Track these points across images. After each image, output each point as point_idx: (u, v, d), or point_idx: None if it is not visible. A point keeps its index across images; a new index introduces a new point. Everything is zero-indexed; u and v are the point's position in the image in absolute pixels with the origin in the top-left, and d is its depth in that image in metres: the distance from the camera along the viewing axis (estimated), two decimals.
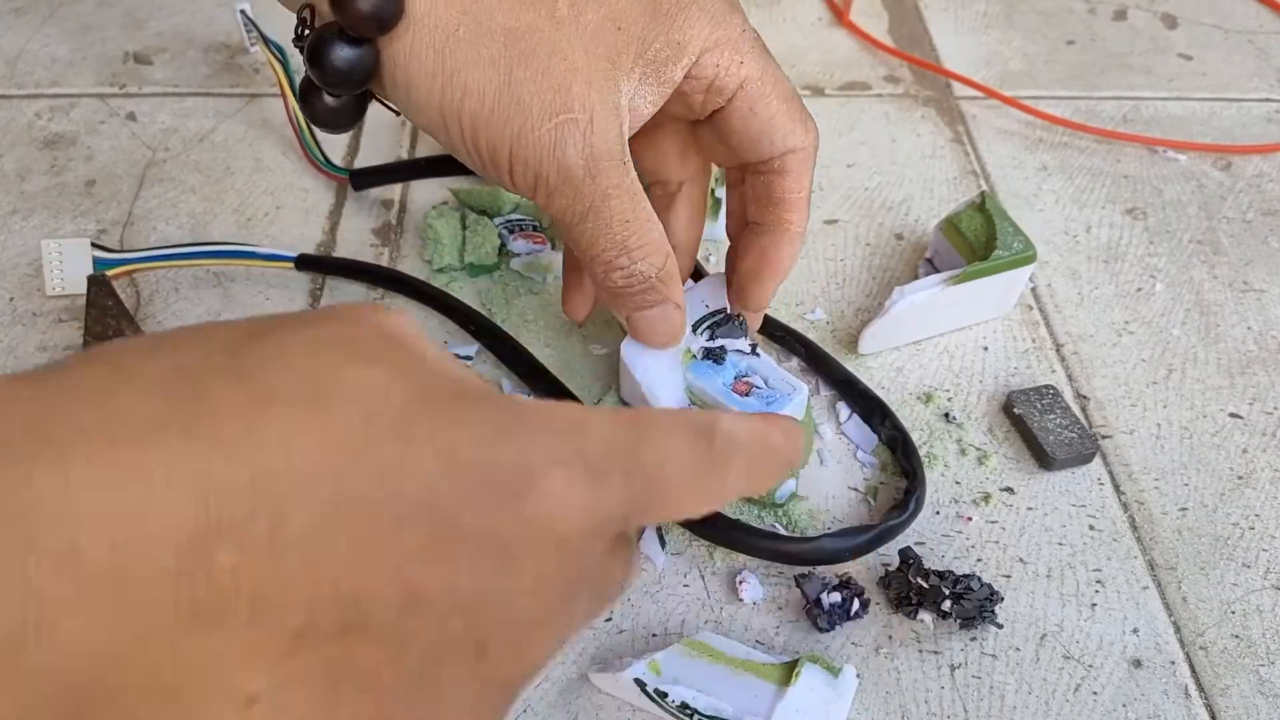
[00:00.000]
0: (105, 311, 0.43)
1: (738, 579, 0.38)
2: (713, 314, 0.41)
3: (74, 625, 0.17)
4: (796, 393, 0.39)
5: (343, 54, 0.32)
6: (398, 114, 0.37)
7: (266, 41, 0.49)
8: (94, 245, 0.45)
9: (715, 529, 0.37)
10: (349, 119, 0.35)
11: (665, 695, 0.33)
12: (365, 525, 0.19)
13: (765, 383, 0.40)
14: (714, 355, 0.40)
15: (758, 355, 0.40)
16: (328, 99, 0.34)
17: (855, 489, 0.41)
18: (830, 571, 0.38)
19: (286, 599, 0.18)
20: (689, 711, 0.33)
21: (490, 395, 0.22)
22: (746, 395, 0.39)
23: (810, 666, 0.34)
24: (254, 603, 0.18)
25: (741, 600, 0.38)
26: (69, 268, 0.45)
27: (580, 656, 0.36)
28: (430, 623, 0.20)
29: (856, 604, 0.37)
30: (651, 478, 0.23)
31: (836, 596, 0.37)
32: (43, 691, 0.17)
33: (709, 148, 0.39)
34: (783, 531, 0.39)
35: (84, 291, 0.43)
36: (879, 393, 0.44)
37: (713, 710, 0.33)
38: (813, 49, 0.64)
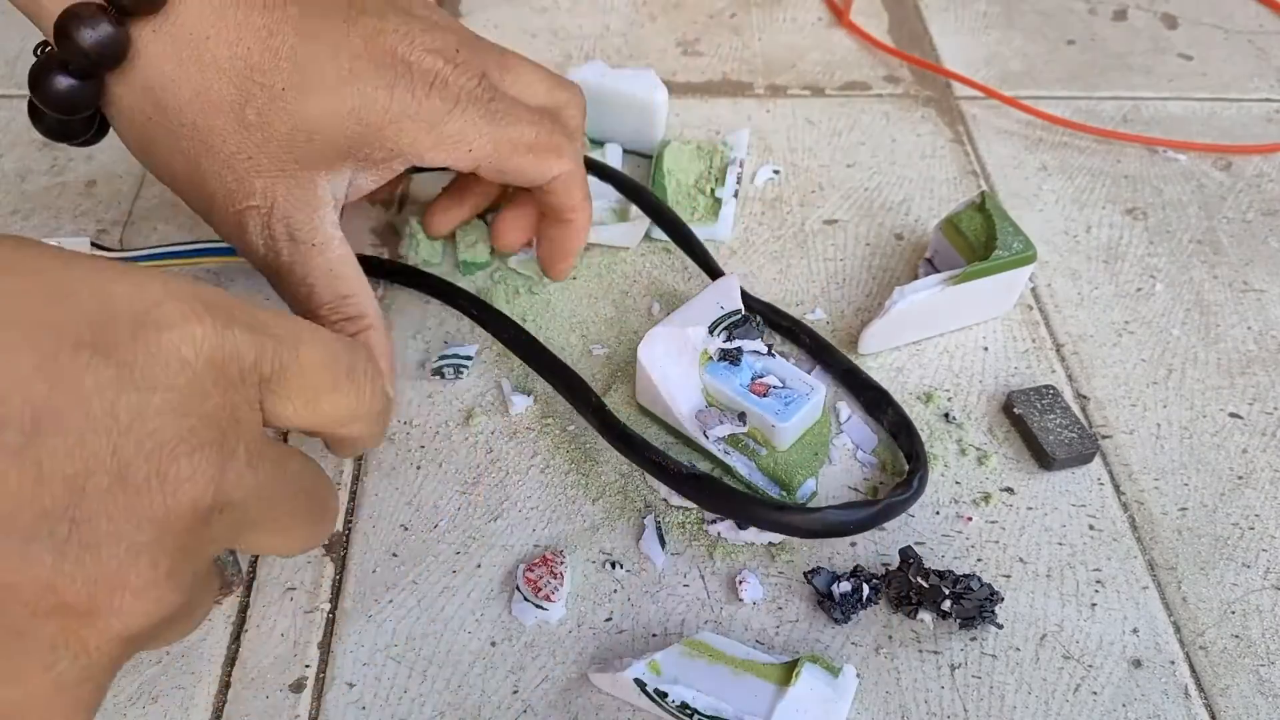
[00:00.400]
0: None
1: (738, 579, 0.38)
2: (728, 315, 0.41)
3: None
4: (814, 393, 0.40)
5: (63, 84, 0.34)
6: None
7: None
8: (94, 245, 0.45)
9: (721, 498, 0.37)
10: (80, 131, 0.38)
11: (665, 695, 0.33)
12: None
13: (783, 383, 0.40)
14: (730, 356, 0.40)
15: (774, 356, 0.41)
16: (51, 116, 0.36)
17: (855, 489, 0.41)
18: (833, 546, 0.38)
19: None
20: (689, 711, 0.33)
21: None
22: (764, 396, 0.40)
23: (810, 666, 0.34)
24: None
25: (741, 600, 0.38)
26: None
27: (580, 656, 0.36)
28: (65, 443, 0.21)
29: (867, 589, 0.37)
30: (283, 338, 0.25)
31: (847, 586, 0.37)
32: None
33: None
34: (788, 502, 0.39)
35: None
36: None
37: (712, 710, 0.33)
38: (813, 49, 0.64)
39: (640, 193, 0.48)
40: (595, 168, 0.49)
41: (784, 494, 0.40)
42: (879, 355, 0.46)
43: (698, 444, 0.40)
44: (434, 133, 0.38)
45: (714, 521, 0.39)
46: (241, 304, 0.25)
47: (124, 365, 0.22)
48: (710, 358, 0.40)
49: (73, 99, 0.34)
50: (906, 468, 0.40)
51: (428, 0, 0.40)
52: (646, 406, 0.42)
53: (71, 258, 0.23)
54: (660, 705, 0.34)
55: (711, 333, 0.40)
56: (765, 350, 0.40)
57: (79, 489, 0.21)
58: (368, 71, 0.36)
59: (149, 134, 0.36)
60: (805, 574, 0.38)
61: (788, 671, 0.34)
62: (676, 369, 0.40)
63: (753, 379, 0.40)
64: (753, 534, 0.38)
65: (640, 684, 0.34)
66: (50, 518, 0.21)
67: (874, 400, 0.43)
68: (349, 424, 0.29)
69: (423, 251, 0.48)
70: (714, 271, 0.46)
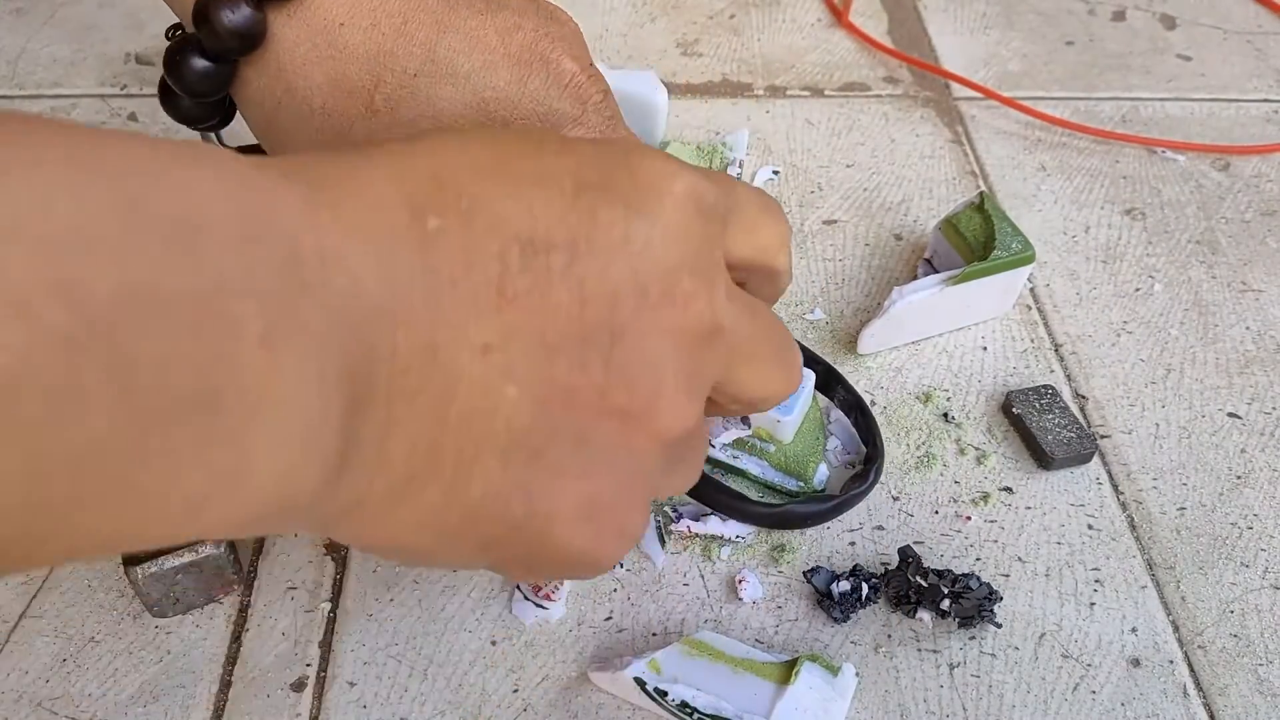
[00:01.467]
0: None
1: (737, 578, 0.38)
2: None
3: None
4: (806, 379, 0.40)
5: (199, 66, 0.35)
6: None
7: None
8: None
9: (701, 491, 0.38)
10: (210, 115, 0.38)
11: (665, 694, 0.33)
12: (529, 185, 0.24)
13: None
14: None
15: None
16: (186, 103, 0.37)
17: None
18: (832, 545, 0.38)
19: (482, 253, 0.23)
20: (689, 710, 0.33)
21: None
22: None
23: (810, 665, 0.34)
24: (463, 262, 0.22)
25: (741, 600, 0.38)
26: None
27: (580, 655, 0.36)
28: (598, 264, 0.24)
29: (866, 589, 0.37)
30: (721, 178, 0.28)
31: (846, 585, 0.37)
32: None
33: None
34: (752, 495, 0.40)
35: None
36: (879, 392, 0.44)
37: (712, 709, 0.33)
38: (812, 50, 0.64)
39: None
40: None
41: (801, 485, 0.40)
42: (878, 355, 0.46)
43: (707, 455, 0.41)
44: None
45: (679, 519, 0.39)
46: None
47: (629, 202, 0.25)
48: None
49: (209, 81, 0.35)
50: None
51: (563, 12, 0.40)
52: None
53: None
54: (660, 704, 0.34)
55: None
56: None
57: (613, 304, 0.24)
58: (501, 64, 0.36)
59: (277, 118, 0.36)
60: (805, 573, 0.38)
61: (787, 670, 0.34)
62: None
63: None
64: (715, 524, 0.39)
65: (640, 683, 0.34)
66: (597, 329, 0.24)
67: (826, 380, 0.43)
68: (779, 251, 0.30)
69: None
70: None
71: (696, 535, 0.39)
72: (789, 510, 0.39)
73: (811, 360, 0.43)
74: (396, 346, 0.22)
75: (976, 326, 0.48)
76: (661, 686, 0.33)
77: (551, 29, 0.38)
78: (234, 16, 0.33)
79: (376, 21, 0.35)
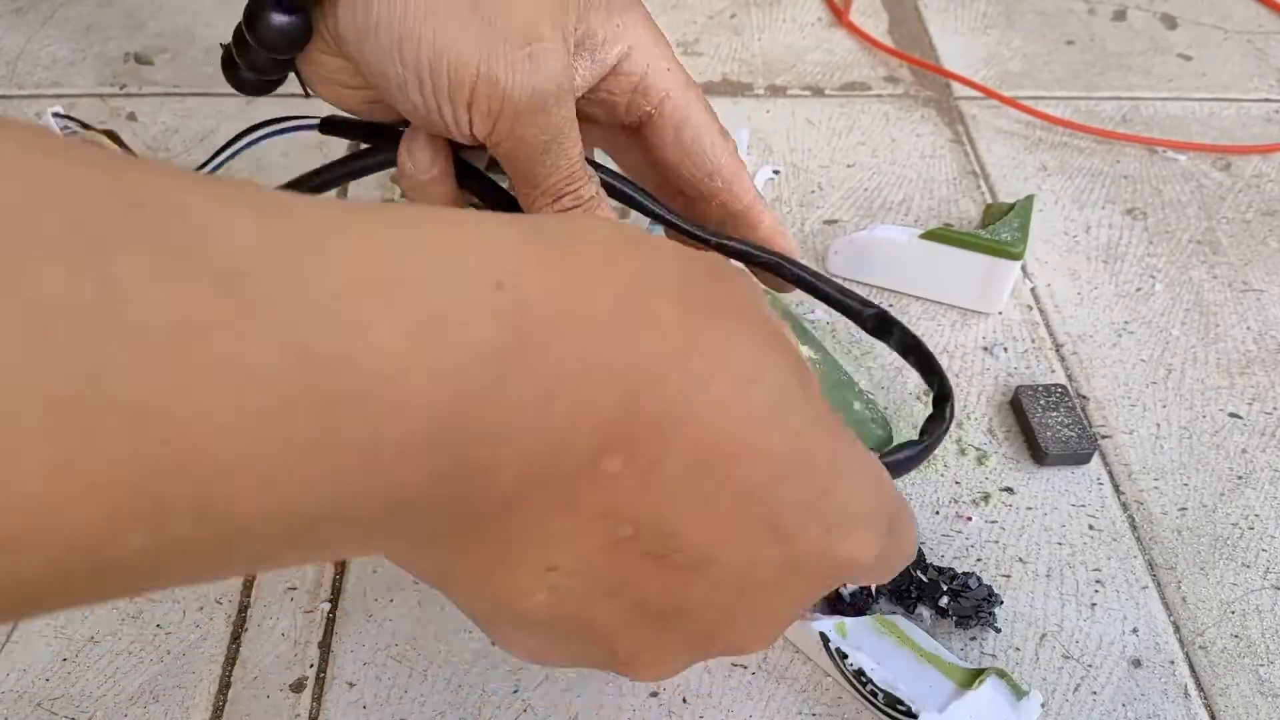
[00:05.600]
0: None
1: None
2: None
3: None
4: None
5: (278, 20, 0.34)
6: (308, 95, 0.38)
7: (89, 129, 0.48)
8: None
9: None
10: (276, 74, 0.37)
11: (845, 656, 0.34)
12: (719, 492, 0.22)
13: None
14: None
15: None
16: (246, 73, 0.37)
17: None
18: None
19: (629, 514, 0.22)
20: (863, 680, 0.33)
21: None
22: None
23: (996, 680, 0.33)
24: (606, 509, 0.21)
25: None
26: None
27: None
28: (709, 584, 0.23)
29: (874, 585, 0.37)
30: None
31: (853, 586, 0.37)
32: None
33: (637, 172, 0.39)
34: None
35: None
36: (879, 393, 0.44)
37: (887, 685, 0.33)
38: (812, 49, 0.64)
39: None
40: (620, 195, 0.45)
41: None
42: (878, 355, 0.46)
43: None
44: (649, 31, 0.36)
45: None
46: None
47: (791, 558, 0.24)
48: None
49: (287, 34, 0.35)
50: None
51: None
52: None
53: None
54: (837, 665, 0.34)
55: None
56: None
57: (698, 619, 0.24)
58: None
59: (364, 55, 0.34)
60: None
61: (971, 677, 0.33)
62: None
63: None
64: None
65: (825, 639, 0.34)
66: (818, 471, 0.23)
67: (877, 324, 0.39)
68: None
69: None
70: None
71: None
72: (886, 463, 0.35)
73: (864, 304, 0.39)
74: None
75: (976, 326, 0.48)
76: (844, 649, 0.34)
77: None
78: None
79: None
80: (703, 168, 0.37)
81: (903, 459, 0.35)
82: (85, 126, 0.47)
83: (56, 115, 0.47)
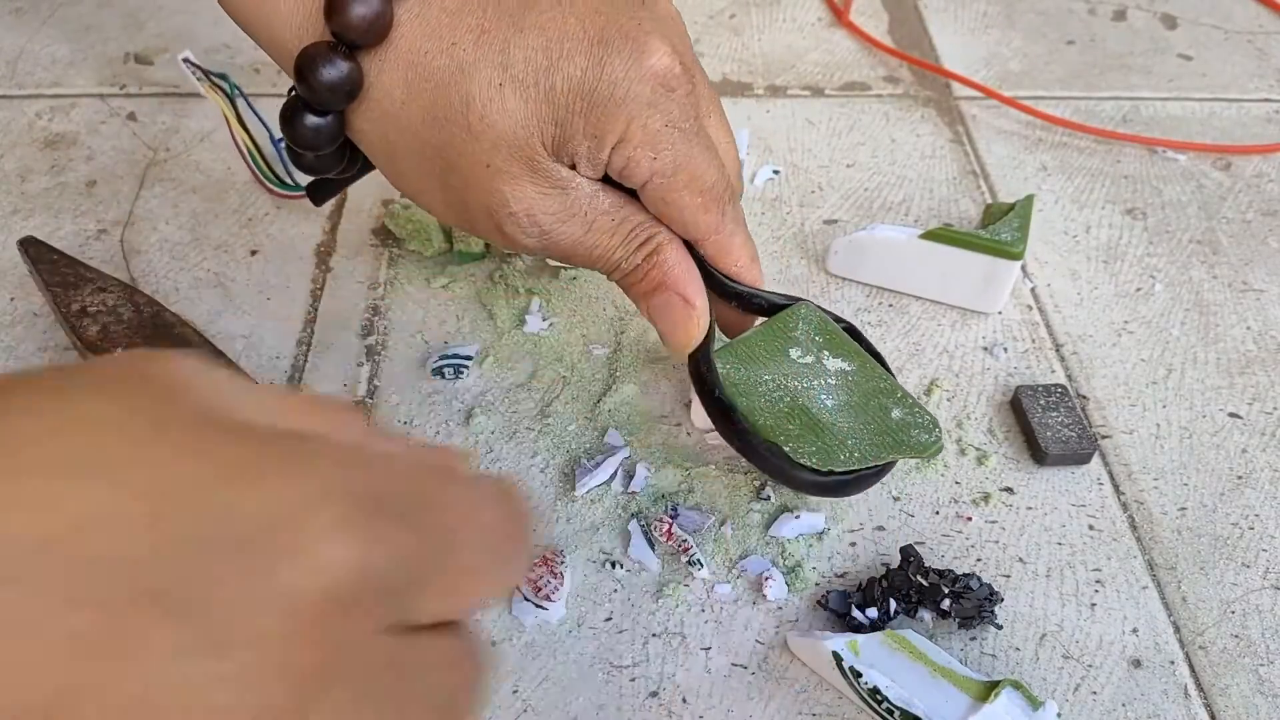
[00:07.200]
0: (54, 265, 0.45)
1: (764, 575, 0.38)
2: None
3: None
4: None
5: (310, 122, 0.36)
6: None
7: (210, 76, 0.47)
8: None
9: (759, 455, 0.36)
10: (334, 165, 0.39)
11: (859, 675, 0.33)
12: (27, 610, 0.16)
13: None
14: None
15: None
16: (308, 155, 0.38)
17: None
18: (832, 546, 0.38)
19: None
20: (879, 698, 0.33)
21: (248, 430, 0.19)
22: None
23: (1011, 691, 0.33)
24: None
25: (766, 599, 0.38)
26: None
27: (580, 656, 0.36)
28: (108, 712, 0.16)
29: (894, 604, 0.36)
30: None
31: (874, 613, 0.36)
32: None
33: None
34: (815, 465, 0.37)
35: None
36: None
37: (903, 702, 0.33)
38: (813, 49, 0.64)
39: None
40: None
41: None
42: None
43: None
44: (634, 123, 0.35)
45: (675, 516, 0.39)
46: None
47: (209, 632, 0.17)
48: None
49: (318, 135, 0.36)
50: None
51: (665, 2, 0.38)
52: (704, 428, 0.42)
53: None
54: (852, 684, 0.34)
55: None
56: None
57: None
58: (578, 51, 0.34)
59: (395, 163, 0.37)
60: (818, 601, 0.37)
61: (987, 690, 0.33)
62: None
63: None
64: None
65: (837, 658, 0.34)
66: None
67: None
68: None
69: (435, 241, 0.48)
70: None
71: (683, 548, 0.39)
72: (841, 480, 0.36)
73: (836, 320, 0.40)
74: None
75: (977, 326, 0.48)
76: (857, 667, 0.33)
77: (641, 13, 0.36)
78: (331, 71, 0.34)
79: (457, 38, 0.34)
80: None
81: (835, 482, 0.36)
82: (208, 75, 0.48)
83: (186, 61, 0.48)
